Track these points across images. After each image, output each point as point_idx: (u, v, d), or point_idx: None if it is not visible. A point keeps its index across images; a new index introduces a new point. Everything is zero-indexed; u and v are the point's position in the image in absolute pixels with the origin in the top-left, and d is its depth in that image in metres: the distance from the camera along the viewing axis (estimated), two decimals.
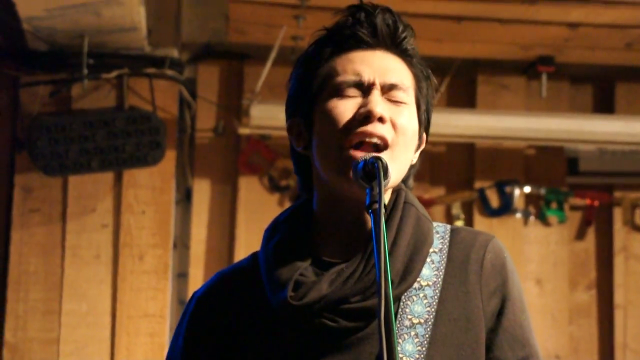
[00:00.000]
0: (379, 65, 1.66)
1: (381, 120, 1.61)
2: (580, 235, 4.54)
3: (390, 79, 1.65)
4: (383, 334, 1.38)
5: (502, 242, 1.74)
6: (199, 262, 4.23)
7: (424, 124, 1.72)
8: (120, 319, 4.08)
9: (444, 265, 1.70)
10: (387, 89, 1.65)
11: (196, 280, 4.14)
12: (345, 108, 1.63)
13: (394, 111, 1.63)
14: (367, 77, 1.64)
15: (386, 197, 1.66)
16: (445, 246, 1.72)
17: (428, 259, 1.69)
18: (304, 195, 1.76)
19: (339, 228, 1.69)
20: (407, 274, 1.65)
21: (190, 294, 4.52)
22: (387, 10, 1.69)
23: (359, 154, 1.59)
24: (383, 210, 1.48)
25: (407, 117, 1.65)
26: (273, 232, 1.74)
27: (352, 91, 1.64)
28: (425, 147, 1.76)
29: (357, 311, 1.62)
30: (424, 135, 1.73)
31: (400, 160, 1.64)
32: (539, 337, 4.76)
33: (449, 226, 1.76)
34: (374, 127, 1.61)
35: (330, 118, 1.64)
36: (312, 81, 1.70)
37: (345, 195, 1.63)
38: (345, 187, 1.61)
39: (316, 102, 1.68)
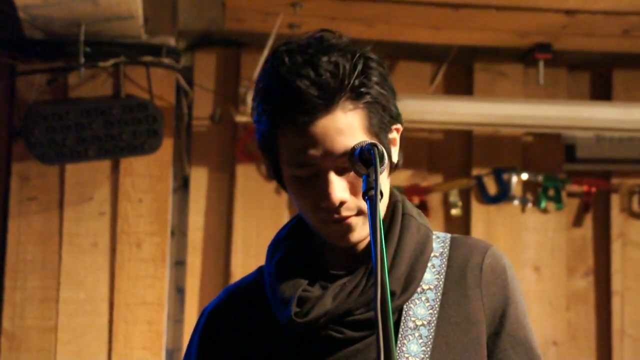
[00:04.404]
0: (323, 141, 1.60)
1: (343, 203, 1.60)
2: (577, 222, 4.52)
3: (339, 150, 1.59)
4: (379, 316, 1.37)
5: (499, 251, 1.77)
6: (196, 250, 4.22)
7: (391, 123, 1.68)
8: (118, 307, 4.10)
9: (445, 269, 1.73)
10: (340, 159, 1.60)
11: (194, 269, 4.16)
12: (308, 198, 1.63)
13: (353, 182, 1.61)
14: (316, 162, 1.60)
15: (382, 209, 1.67)
16: (445, 250, 1.74)
17: (429, 264, 1.72)
18: None
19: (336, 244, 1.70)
20: (409, 284, 1.67)
21: (188, 281, 4.55)
22: (313, 61, 1.60)
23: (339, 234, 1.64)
24: (379, 196, 1.48)
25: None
26: (275, 249, 1.76)
27: (307, 172, 1.61)
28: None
29: (362, 322, 1.65)
30: (396, 128, 1.69)
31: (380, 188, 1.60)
32: (536, 323, 4.72)
33: (449, 235, 1.78)
34: (341, 213, 1.62)
35: (299, 204, 1.66)
36: (267, 143, 1.66)
37: (335, 244, 1.67)
38: (340, 243, 1.66)
39: (281, 165, 1.67)
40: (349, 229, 1.63)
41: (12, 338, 4.06)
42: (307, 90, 1.58)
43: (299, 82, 1.58)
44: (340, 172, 1.61)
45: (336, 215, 1.62)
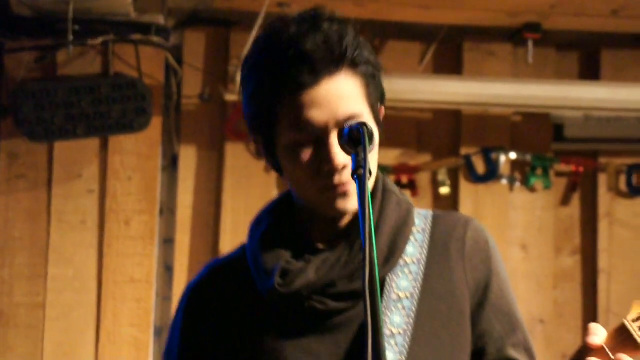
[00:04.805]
0: (328, 102, 1.63)
1: (344, 167, 1.61)
2: (565, 201, 4.51)
3: (343, 114, 1.62)
4: (367, 290, 1.37)
5: (481, 224, 1.79)
6: (185, 228, 4.22)
7: (378, 103, 1.70)
8: (106, 285, 4.11)
9: (428, 243, 1.73)
10: (343, 123, 1.61)
11: (182, 247, 4.16)
12: (306, 165, 1.63)
13: None
14: (317, 123, 1.61)
15: (370, 186, 1.66)
16: (428, 226, 1.75)
17: (412, 238, 1.73)
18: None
19: (323, 217, 1.70)
20: (391, 255, 1.69)
21: (176, 259, 4.54)
22: (315, 27, 1.63)
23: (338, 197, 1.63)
24: (368, 175, 1.49)
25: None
26: (258, 225, 1.77)
27: (308, 138, 1.62)
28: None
29: (345, 294, 1.65)
30: (381, 110, 1.72)
31: (369, 167, 1.61)
32: (524, 301, 4.65)
33: (431, 211, 1.79)
34: (341, 177, 1.62)
35: (296, 173, 1.65)
36: (264, 117, 1.67)
37: (327, 215, 1.67)
38: (331, 213, 1.66)
39: (276, 139, 1.67)
40: (346, 194, 1.63)
41: (1, 315, 4.06)
42: (315, 50, 1.60)
43: (307, 44, 1.60)
44: None
45: (336, 179, 1.62)
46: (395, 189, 1.77)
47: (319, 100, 1.62)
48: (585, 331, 1.51)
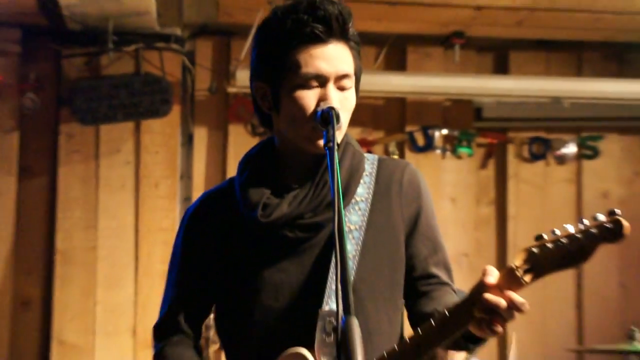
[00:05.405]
0: (332, 59, 1.57)
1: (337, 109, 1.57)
2: (483, 165, 4.51)
3: (341, 71, 1.58)
4: (336, 226, 1.35)
5: (415, 168, 1.73)
6: (199, 189, 4.17)
7: (359, 75, 1.67)
8: (141, 232, 4.13)
9: (373, 185, 1.67)
10: (340, 79, 1.58)
11: None
12: (310, 99, 1.57)
13: (342, 97, 1.59)
14: (324, 72, 1.56)
15: (339, 137, 1.62)
16: (374, 170, 1.69)
17: (361, 181, 1.67)
18: (269, 131, 1.72)
19: (296, 161, 1.65)
20: (345, 195, 1.63)
21: None
22: (333, 2, 1.58)
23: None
24: (336, 147, 1.48)
25: (350, 100, 1.61)
26: (246, 165, 1.70)
27: (313, 82, 1.57)
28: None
29: (310, 225, 1.61)
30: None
31: (344, 125, 1.62)
32: (453, 240, 4.65)
33: (377, 156, 1.73)
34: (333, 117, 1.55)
35: (299, 105, 1.57)
36: (278, 64, 1.59)
37: (307, 148, 1.61)
38: (311, 148, 1.59)
39: (283, 82, 1.59)
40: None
41: (64, 254, 4.11)
42: (330, 16, 1.56)
43: (327, 10, 1.56)
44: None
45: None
46: (354, 142, 1.71)
47: (327, 55, 1.57)
48: (482, 272, 1.45)
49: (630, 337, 3.46)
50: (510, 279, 1.41)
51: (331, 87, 1.56)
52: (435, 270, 1.67)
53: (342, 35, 1.57)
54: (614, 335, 4.06)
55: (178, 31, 4.14)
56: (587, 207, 4.50)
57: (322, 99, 1.56)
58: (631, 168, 4.60)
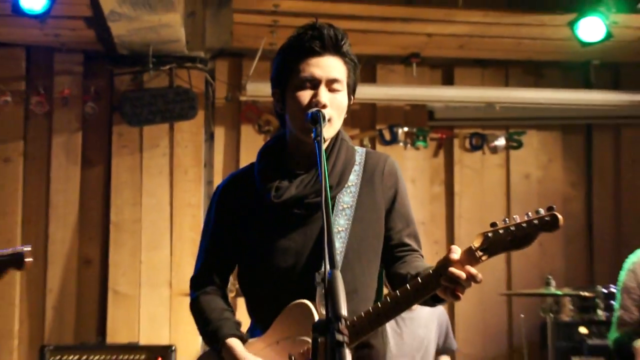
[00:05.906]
0: (325, 67, 1.60)
1: (324, 106, 1.60)
2: (435, 154, 4.57)
3: (331, 76, 1.60)
4: (324, 208, 1.35)
5: (394, 160, 1.77)
6: (219, 175, 4.27)
7: (352, 93, 1.69)
8: (175, 207, 4.23)
9: (362, 173, 1.68)
10: (330, 82, 1.60)
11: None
12: (304, 98, 1.60)
13: (332, 97, 1.61)
14: (317, 75, 1.60)
15: (329, 134, 1.64)
16: (362, 160, 1.70)
17: (353, 169, 1.68)
18: (283, 129, 1.74)
19: (301, 151, 1.66)
20: (341, 181, 1.65)
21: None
22: (330, 26, 1.63)
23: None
24: (322, 142, 1.49)
25: (339, 100, 1.62)
26: (263, 154, 1.72)
27: (308, 85, 1.60)
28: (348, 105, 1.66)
29: (313, 204, 1.62)
30: (352, 98, 1.72)
31: (336, 123, 1.63)
32: (414, 212, 4.79)
33: (365, 149, 1.75)
34: (323, 111, 1.58)
35: (296, 102, 1.61)
36: (286, 72, 1.63)
37: (304, 139, 1.63)
38: (305, 137, 1.61)
39: (288, 86, 1.63)
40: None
41: (116, 225, 4.20)
42: (326, 37, 1.59)
43: (322, 32, 1.59)
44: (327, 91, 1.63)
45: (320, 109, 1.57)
46: (347, 138, 1.73)
47: (321, 64, 1.59)
48: (448, 250, 1.45)
49: (547, 284, 3.52)
50: (470, 256, 1.43)
51: (322, 88, 1.58)
52: (407, 240, 1.69)
53: (335, 50, 1.60)
54: (535, 282, 4.16)
55: (202, 54, 4.21)
56: (513, 186, 4.55)
57: (314, 97, 1.57)
58: (546, 156, 4.67)
